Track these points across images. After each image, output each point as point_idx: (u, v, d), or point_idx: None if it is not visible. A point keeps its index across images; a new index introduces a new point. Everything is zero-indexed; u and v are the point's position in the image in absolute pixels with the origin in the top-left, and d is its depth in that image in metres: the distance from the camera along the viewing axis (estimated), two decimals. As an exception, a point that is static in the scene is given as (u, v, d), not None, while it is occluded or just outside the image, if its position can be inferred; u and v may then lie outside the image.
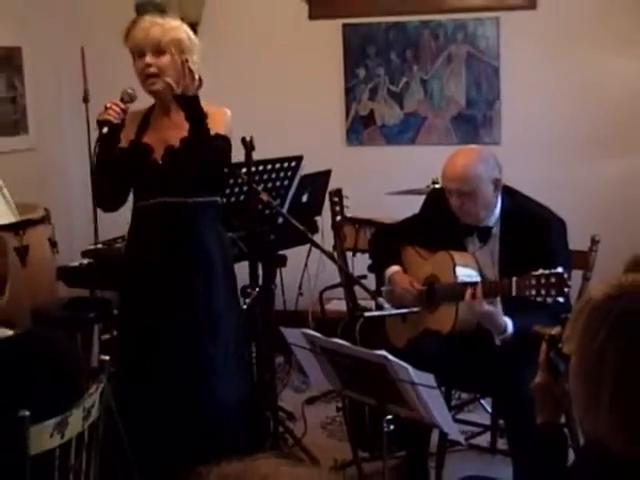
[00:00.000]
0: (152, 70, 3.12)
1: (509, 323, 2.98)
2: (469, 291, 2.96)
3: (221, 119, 3.19)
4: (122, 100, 3.11)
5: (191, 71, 3.03)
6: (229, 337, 3.28)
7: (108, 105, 3.09)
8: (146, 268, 3.25)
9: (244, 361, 3.43)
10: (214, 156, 3.09)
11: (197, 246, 3.23)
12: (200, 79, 3.07)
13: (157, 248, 3.23)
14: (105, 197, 3.32)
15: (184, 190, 3.15)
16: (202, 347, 3.21)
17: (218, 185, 3.30)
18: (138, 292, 3.27)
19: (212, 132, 3.12)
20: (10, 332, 2.30)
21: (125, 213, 3.35)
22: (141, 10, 3.21)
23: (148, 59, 3.12)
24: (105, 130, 3.06)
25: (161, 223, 3.21)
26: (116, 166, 3.16)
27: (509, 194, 3.24)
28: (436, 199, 3.37)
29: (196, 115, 3.04)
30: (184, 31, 3.20)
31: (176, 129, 3.19)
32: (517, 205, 3.22)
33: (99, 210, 4.76)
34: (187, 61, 3.05)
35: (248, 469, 0.90)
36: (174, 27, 3.18)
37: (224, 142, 3.15)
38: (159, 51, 3.12)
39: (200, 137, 3.05)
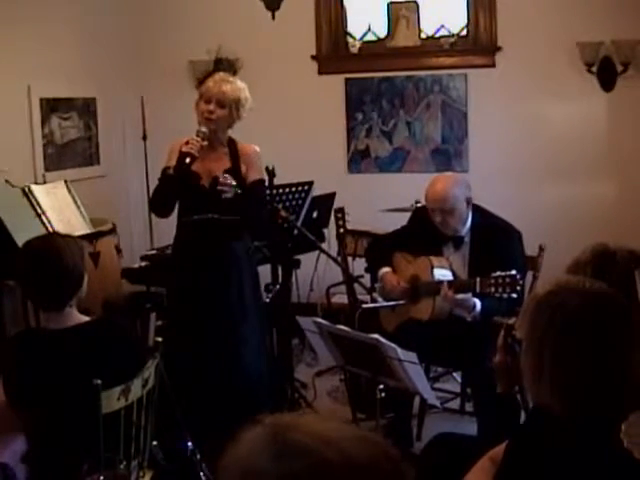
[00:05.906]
0: (212, 117, 3.12)
1: (477, 302, 2.97)
2: (444, 290, 2.96)
3: (255, 160, 3.23)
4: (198, 136, 3.10)
5: None
6: (255, 320, 3.29)
7: (190, 140, 3.08)
8: (191, 269, 3.26)
9: (265, 341, 3.44)
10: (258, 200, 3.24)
11: (229, 252, 3.23)
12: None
13: (199, 255, 3.24)
14: (164, 206, 3.26)
15: (220, 209, 3.17)
16: (235, 327, 3.23)
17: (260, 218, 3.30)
18: (185, 287, 3.28)
19: (250, 173, 3.18)
20: (87, 318, 2.33)
21: (173, 226, 3.37)
22: (218, 64, 3.14)
23: (212, 107, 3.11)
24: (188, 160, 3.07)
25: (201, 235, 3.22)
26: (177, 186, 3.16)
27: (478, 211, 3.23)
28: (419, 215, 3.36)
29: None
30: (243, 91, 3.18)
31: (218, 162, 3.20)
32: (484, 219, 3.21)
33: (153, 224, 4.81)
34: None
35: (277, 419, 0.92)
36: (240, 88, 3.17)
37: (261, 184, 3.24)
38: (222, 104, 3.12)
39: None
